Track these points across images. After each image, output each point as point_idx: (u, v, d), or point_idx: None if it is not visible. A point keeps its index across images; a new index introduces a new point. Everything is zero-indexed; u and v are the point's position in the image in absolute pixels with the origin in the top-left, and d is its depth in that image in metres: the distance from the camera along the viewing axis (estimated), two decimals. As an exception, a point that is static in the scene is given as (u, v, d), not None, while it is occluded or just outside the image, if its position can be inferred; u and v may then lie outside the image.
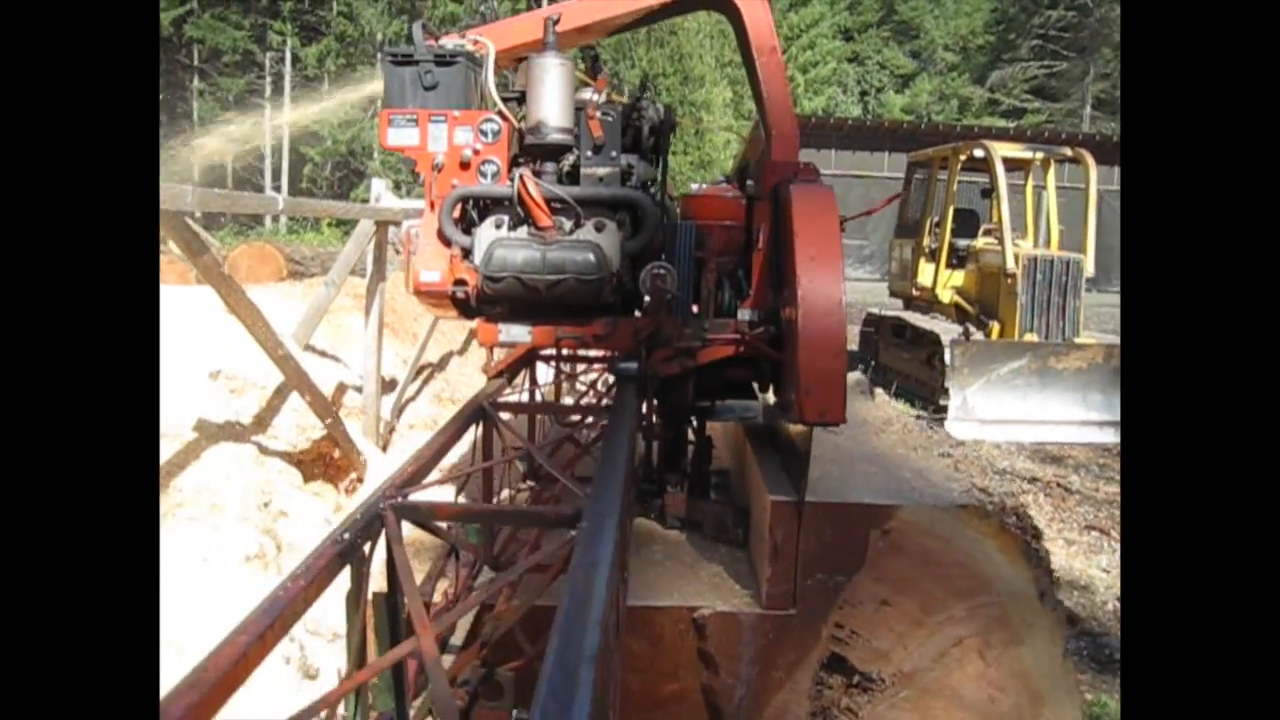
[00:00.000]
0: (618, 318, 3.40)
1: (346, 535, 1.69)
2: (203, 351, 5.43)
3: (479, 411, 2.57)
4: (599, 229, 3.29)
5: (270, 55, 40.68)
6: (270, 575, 4.70)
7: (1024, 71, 41.65)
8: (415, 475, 1.99)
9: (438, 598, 2.43)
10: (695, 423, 3.75)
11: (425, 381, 8.89)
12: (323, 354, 7.20)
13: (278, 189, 38.04)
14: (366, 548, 1.77)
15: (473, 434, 2.61)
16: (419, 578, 2.60)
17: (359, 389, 6.83)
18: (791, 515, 2.59)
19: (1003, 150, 10.82)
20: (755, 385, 3.63)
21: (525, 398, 4.28)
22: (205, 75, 41.59)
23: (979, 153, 11.08)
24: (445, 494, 2.82)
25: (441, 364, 9.51)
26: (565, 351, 4.44)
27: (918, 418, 9.93)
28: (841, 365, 2.74)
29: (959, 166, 11.66)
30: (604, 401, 4.33)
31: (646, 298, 3.34)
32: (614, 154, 3.37)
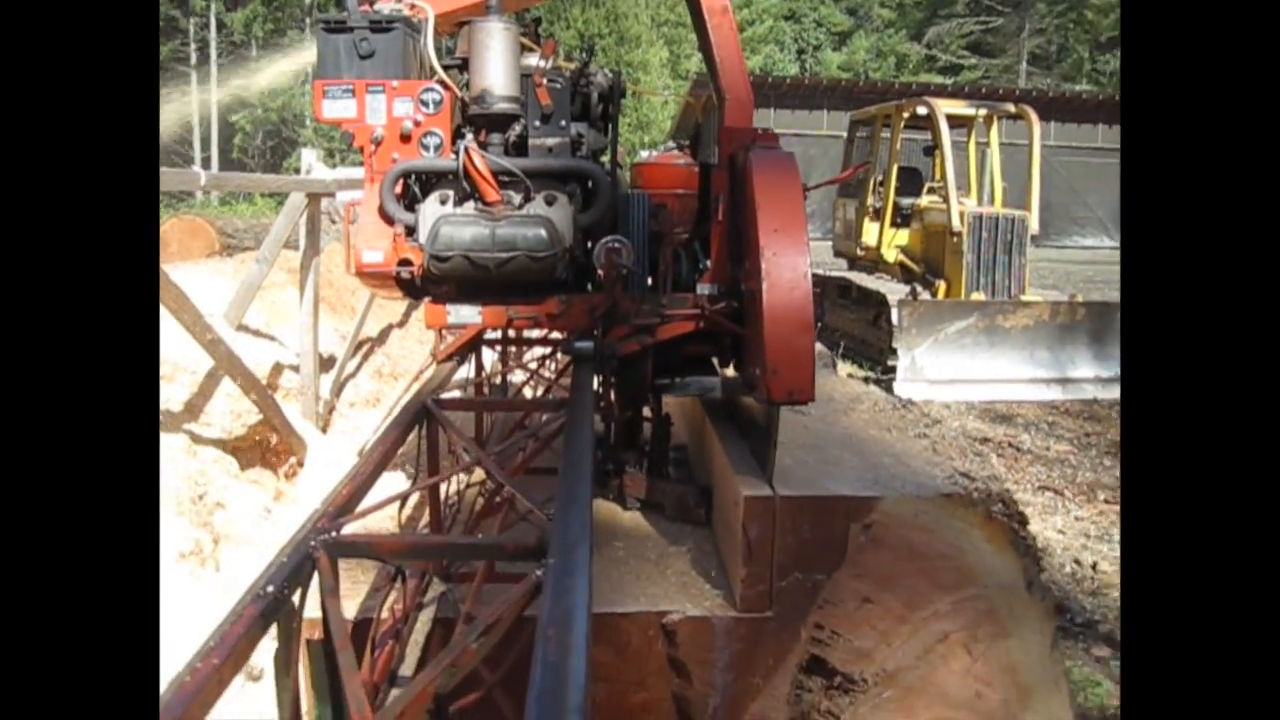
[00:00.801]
0: (572, 295, 3.23)
1: (270, 587, 1.41)
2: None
3: (422, 412, 2.35)
4: (550, 202, 3.13)
5: (194, 21, 39.50)
6: (207, 572, 4.49)
7: (960, 27, 41.71)
8: (350, 500, 1.75)
9: (385, 612, 2.23)
10: (653, 399, 3.60)
11: (365, 357, 8.64)
12: (257, 333, 6.92)
13: (207, 160, 37.13)
14: (296, 597, 1.51)
15: (415, 434, 2.39)
16: (362, 591, 2.41)
17: (296, 368, 6.58)
18: (766, 511, 2.43)
19: (946, 107, 10.73)
20: (715, 361, 3.49)
21: (471, 384, 4.05)
22: (126, 43, 40.29)
23: (922, 110, 11.00)
24: (388, 515, 2.61)
25: (381, 338, 9.26)
26: (514, 334, 4.23)
27: (865, 379, 9.91)
28: (809, 342, 2.62)
29: (902, 124, 11.58)
30: (555, 388, 4.11)
31: (601, 273, 3.17)
32: (563, 123, 3.19)
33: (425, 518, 2.99)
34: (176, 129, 38.51)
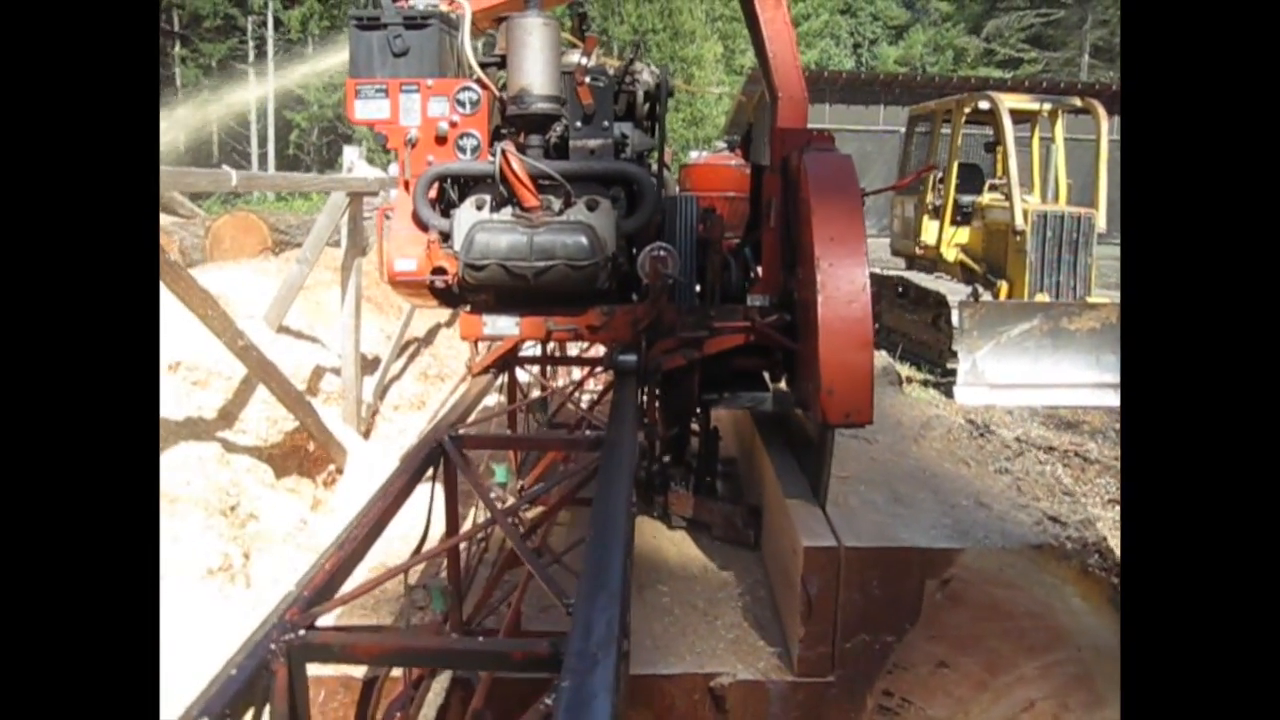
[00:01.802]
0: (614, 306, 3.08)
1: (227, 710, 1.16)
2: (162, 341, 5.01)
3: (436, 451, 2.10)
4: (591, 208, 2.96)
5: (252, 19, 39.86)
6: (237, 588, 4.33)
7: (1020, 20, 40.85)
8: (331, 580, 1.47)
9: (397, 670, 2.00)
10: (700, 413, 3.46)
11: (411, 358, 8.50)
12: (299, 335, 6.80)
13: (264, 157, 37.51)
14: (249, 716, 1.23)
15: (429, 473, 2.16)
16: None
17: (338, 371, 6.43)
18: (829, 565, 2.17)
19: (1009, 101, 10.38)
20: (766, 375, 3.32)
21: (503, 410, 3.80)
22: (187, 41, 40.81)
23: (984, 105, 10.67)
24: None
25: (429, 338, 9.10)
26: (554, 351, 4.03)
27: (924, 383, 9.58)
28: (868, 359, 2.47)
29: (963, 119, 11.24)
30: (595, 414, 3.81)
31: (645, 283, 3.02)
32: (606, 123, 3.05)
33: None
34: (235, 126, 38.98)
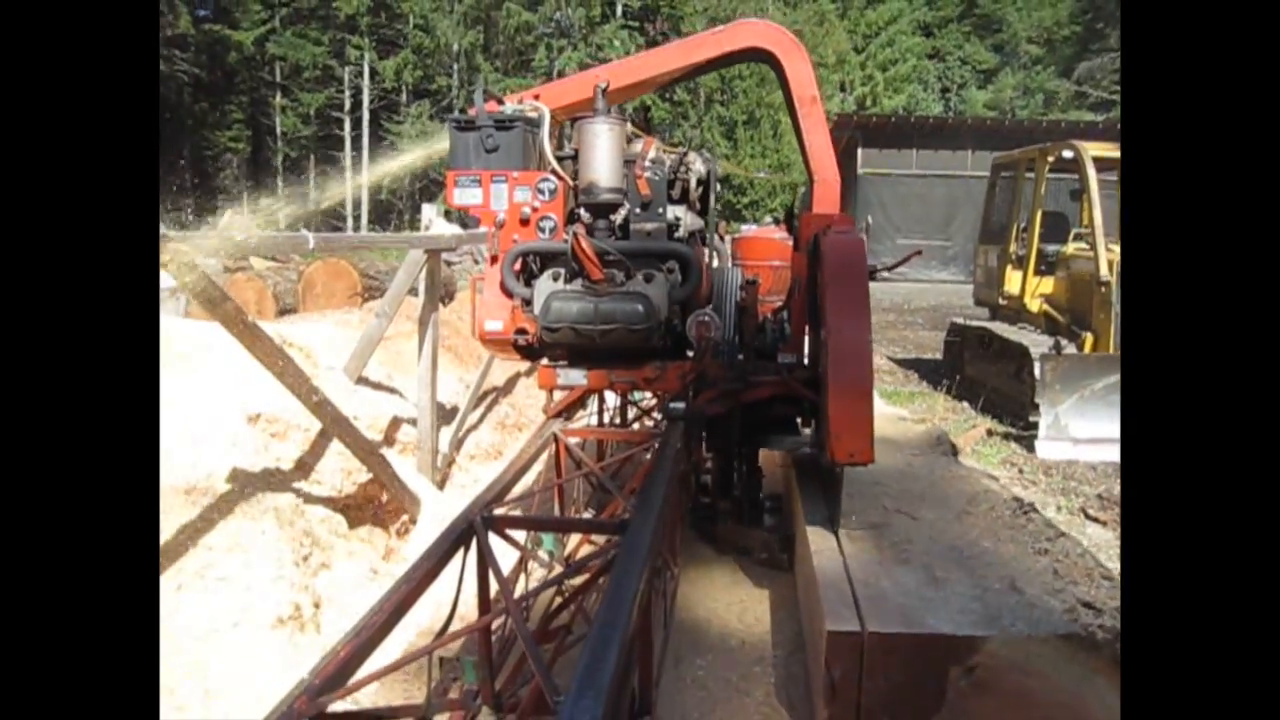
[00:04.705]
0: (666, 362, 3.60)
1: None
2: (244, 392, 5.19)
3: (466, 533, 2.17)
4: (648, 280, 3.47)
5: (349, 70, 41.18)
6: (307, 637, 4.45)
7: (1113, 63, 40.14)
8: (347, 665, 1.54)
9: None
10: (744, 453, 3.92)
11: (490, 407, 8.61)
12: (378, 386, 6.97)
13: (358, 204, 38.52)
14: None
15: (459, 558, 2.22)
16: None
17: (415, 421, 6.57)
18: (853, 650, 2.18)
19: (1093, 150, 10.18)
20: (799, 421, 3.85)
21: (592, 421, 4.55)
22: (287, 91, 42.35)
23: (1068, 153, 10.52)
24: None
25: (507, 387, 9.21)
26: (618, 399, 4.89)
27: (1005, 436, 9.41)
28: (868, 407, 2.90)
29: (1046, 168, 11.10)
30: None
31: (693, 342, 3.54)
32: (660, 209, 3.56)
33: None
34: (333, 170, 40.22)
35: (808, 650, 2.62)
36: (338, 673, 1.50)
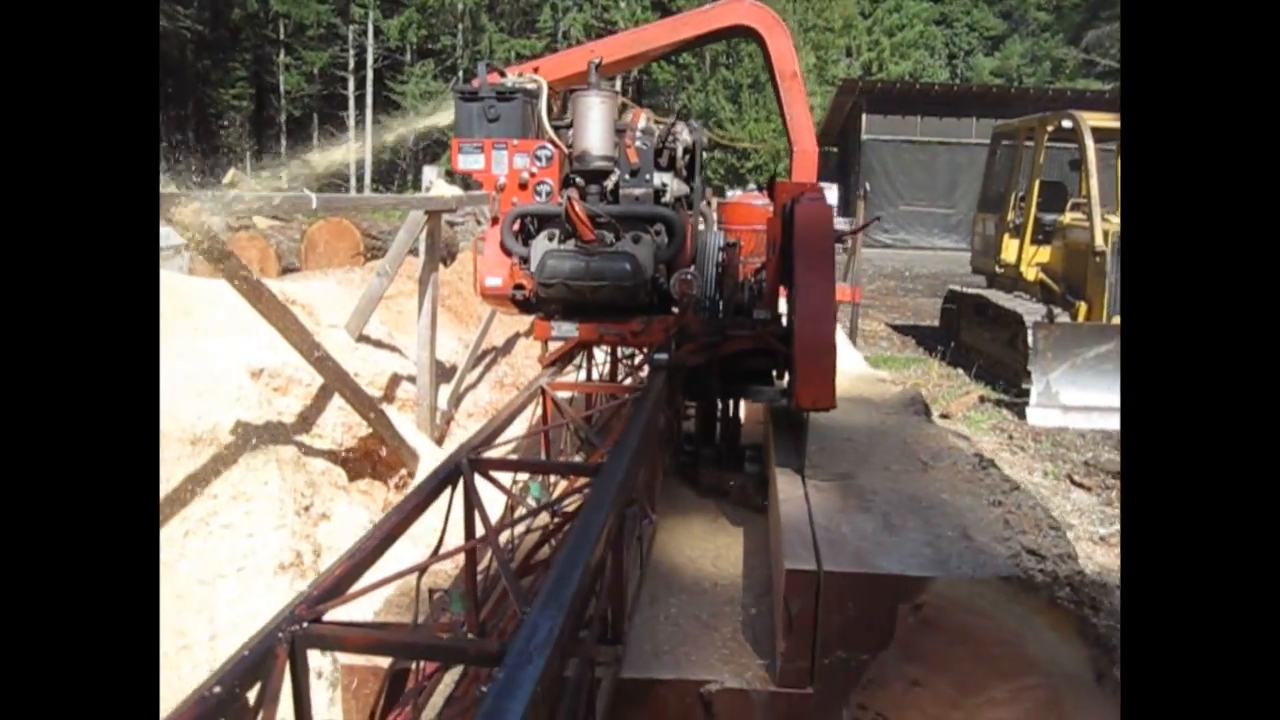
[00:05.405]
0: (652, 317, 3.88)
1: (217, 688, 1.31)
2: (248, 348, 5.32)
3: (454, 473, 2.32)
4: (635, 241, 3.73)
5: (353, 28, 40.97)
6: (308, 582, 4.60)
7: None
8: (341, 581, 1.69)
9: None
10: (722, 404, 4.22)
11: (488, 366, 8.73)
12: (378, 344, 7.08)
13: (361, 165, 38.42)
14: (255, 692, 1.41)
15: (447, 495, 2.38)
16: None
17: (414, 379, 6.71)
18: (808, 587, 2.33)
19: (1092, 120, 10.22)
20: (774, 373, 4.05)
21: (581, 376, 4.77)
22: (291, 49, 42.15)
23: (1067, 123, 10.55)
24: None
25: (506, 347, 9.33)
26: (607, 351, 5.03)
27: (997, 403, 9.54)
28: (831, 360, 3.15)
29: (1046, 138, 11.15)
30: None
31: (676, 298, 3.80)
32: (648, 176, 3.81)
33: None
34: (336, 130, 40.05)
35: (773, 591, 2.78)
36: (334, 586, 1.66)
